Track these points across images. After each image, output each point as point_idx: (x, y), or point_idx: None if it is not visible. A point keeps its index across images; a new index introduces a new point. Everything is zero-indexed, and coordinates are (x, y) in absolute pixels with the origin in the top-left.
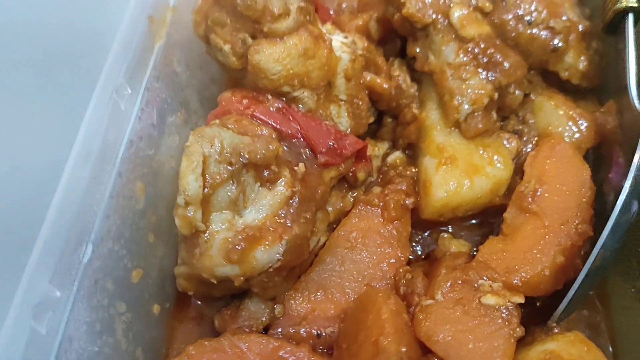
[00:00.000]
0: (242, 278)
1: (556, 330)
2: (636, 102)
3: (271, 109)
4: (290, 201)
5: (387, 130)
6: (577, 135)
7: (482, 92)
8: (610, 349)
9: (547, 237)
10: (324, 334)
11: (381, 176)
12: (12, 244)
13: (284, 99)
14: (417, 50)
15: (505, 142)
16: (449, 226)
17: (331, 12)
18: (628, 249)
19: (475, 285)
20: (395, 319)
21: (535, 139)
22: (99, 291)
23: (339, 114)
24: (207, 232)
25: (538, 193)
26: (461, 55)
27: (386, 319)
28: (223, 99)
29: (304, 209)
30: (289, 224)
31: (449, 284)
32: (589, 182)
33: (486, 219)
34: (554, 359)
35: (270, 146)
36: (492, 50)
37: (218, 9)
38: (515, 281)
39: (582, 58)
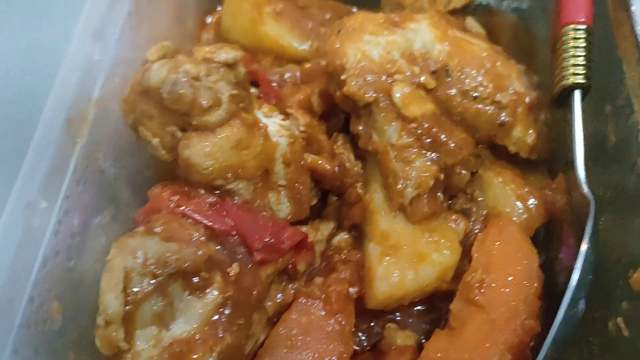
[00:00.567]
0: None
1: None
2: (583, 184)
3: (204, 204)
4: (222, 309)
5: (332, 209)
6: (525, 215)
7: (427, 174)
8: None
9: (494, 333)
10: None
11: (325, 263)
12: None
13: (218, 192)
14: (361, 128)
15: (452, 224)
16: (397, 313)
17: (274, 84)
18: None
19: None
20: None
21: (484, 217)
22: None
23: (278, 200)
24: (131, 351)
25: (485, 283)
26: (404, 136)
27: None
28: (153, 196)
29: (238, 315)
30: (220, 334)
31: None
32: (536, 271)
33: (434, 305)
34: None
35: (199, 252)
36: (436, 130)
37: (145, 100)
38: None
39: (530, 131)
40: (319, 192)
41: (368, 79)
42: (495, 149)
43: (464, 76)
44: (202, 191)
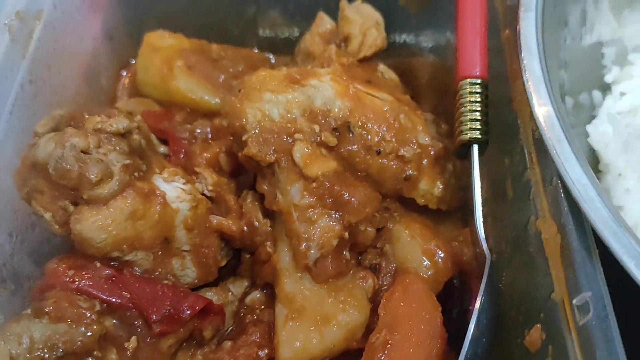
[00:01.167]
0: None
1: None
2: (482, 240)
3: (100, 278)
4: None
5: (246, 267)
6: (431, 270)
7: (330, 234)
8: None
9: None
10: None
11: (237, 324)
12: None
13: (116, 263)
14: (265, 187)
15: (360, 282)
16: None
17: (185, 141)
18: None
19: None
20: None
21: (394, 271)
22: None
23: (183, 266)
24: None
25: (389, 345)
26: (307, 196)
27: None
28: (48, 271)
29: None
30: None
31: None
32: (439, 331)
33: None
34: None
35: (88, 332)
36: (339, 189)
37: (35, 175)
38: None
39: (437, 183)
40: (231, 251)
41: (269, 139)
42: (405, 201)
43: (366, 132)
44: (98, 264)
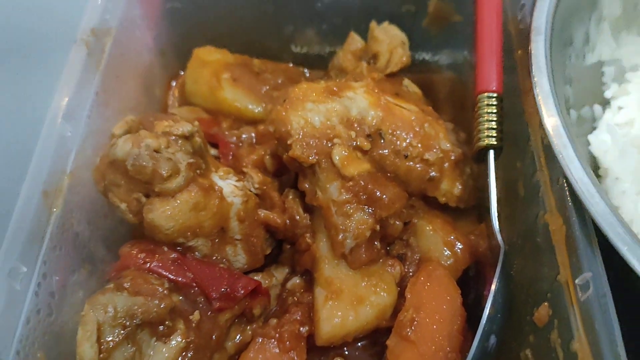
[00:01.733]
0: None
1: None
2: (497, 233)
3: (167, 260)
4: (185, 352)
5: (287, 256)
6: (451, 259)
7: (364, 226)
8: None
9: None
10: None
11: (280, 305)
12: None
13: (180, 248)
14: (307, 185)
15: (389, 269)
16: (345, 348)
17: (232, 145)
18: None
19: None
20: None
21: (418, 261)
22: None
23: (235, 252)
24: None
25: (415, 322)
26: (344, 193)
27: None
28: (122, 254)
29: (199, 356)
30: None
31: None
32: (459, 310)
33: (377, 339)
34: None
35: (162, 304)
36: (372, 187)
37: (113, 170)
38: None
39: (456, 184)
40: (274, 242)
41: (311, 143)
42: (428, 199)
43: (395, 138)
44: (166, 248)
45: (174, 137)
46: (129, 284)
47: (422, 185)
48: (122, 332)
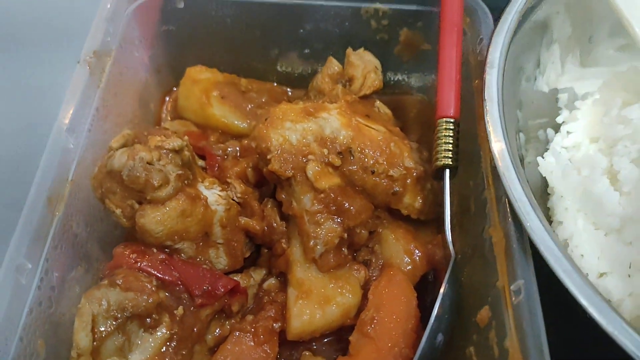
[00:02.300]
0: None
1: None
2: (450, 243)
3: (156, 261)
4: (169, 342)
5: (264, 259)
6: (410, 266)
7: (333, 234)
8: None
9: (379, 359)
10: None
11: (256, 303)
12: None
13: (168, 250)
14: (283, 196)
15: (355, 273)
16: (313, 343)
17: (218, 158)
18: None
19: None
20: None
21: (382, 267)
22: None
23: (217, 255)
24: None
25: (375, 320)
26: (316, 204)
27: None
28: (116, 254)
29: (182, 347)
30: None
31: None
32: (414, 311)
33: (342, 336)
34: None
35: (150, 299)
36: (341, 199)
37: (110, 179)
38: None
39: (418, 198)
40: (253, 246)
41: (288, 158)
42: (392, 211)
43: (363, 156)
44: (155, 250)
45: (165, 151)
46: (121, 280)
47: (387, 198)
48: (114, 323)
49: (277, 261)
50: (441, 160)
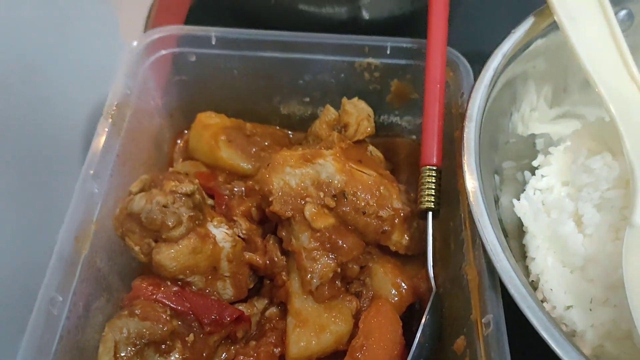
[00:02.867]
0: None
1: None
2: (432, 279)
3: (170, 293)
4: None
5: (266, 290)
6: (397, 298)
7: (327, 269)
8: None
9: None
10: None
11: (259, 329)
12: None
13: (180, 283)
14: (284, 233)
15: (347, 303)
16: None
17: (225, 197)
18: None
19: None
20: None
21: (371, 298)
22: None
23: (224, 287)
24: None
25: (364, 347)
26: (312, 242)
27: None
28: (134, 286)
29: None
30: None
31: None
32: (400, 338)
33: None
34: None
35: (165, 328)
36: (335, 237)
37: (130, 220)
38: None
39: (405, 236)
40: (256, 278)
41: (287, 200)
42: (382, 247)
43: (356, 198)
44: (169, 283)
45: (179, 195)
46: (139, 311)
47: (377, 236)
48: (133, 349)
49: (278, 292)
50: (425, 204)
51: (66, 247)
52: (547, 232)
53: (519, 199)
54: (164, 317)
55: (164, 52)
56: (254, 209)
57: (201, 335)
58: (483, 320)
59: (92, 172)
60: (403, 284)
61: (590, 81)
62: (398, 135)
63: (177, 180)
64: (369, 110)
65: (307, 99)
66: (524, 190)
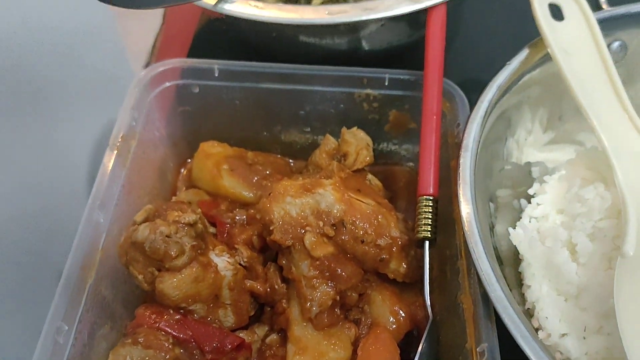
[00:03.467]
0: None
1: None
2: (428, 307)
3: (172, 321)
4: None
5: (267, 317)
6: (395, 325)
7: (327, 297)
8: None
9: None
10: None
11: (258, 356)
12: None
13: (182, 311)
14: (284, 262)
15: (346, 331)
16: None
17: (227, 225)
18: None
19: None
20: None
21: (370, 325)
22: None
23: (225, 314)
24: None
25: None
26: (312, 270)
27: None
28: (138, 314)
29: None
30: None
31: None
32: None
33: None
34: None
35: (167, 356)
36: (334, 266)
37: (134, 249)
38: None
39: (402, 264)
40: (257, 305)
41: (288, 229)
42: (380, 275)
43: (354, 227)
44: (171, 311)
45: (181, 225)
46: (142, 339)
47: (375, 264)
48: None
49: (278, 319)
50: (421, 233)
51: (73, 276)
52: (542, 261)
53: (514, 226)
54: (167, 345)
55: (168, 84)
56: (255, 237)
57: None
58: (478, 349)
59: (98, 202)
60: (401, 312)
61: (583, 112)
62: (397, 163)
63: (180, 210)
64: (367, 139)
65: (308, 129)
66: (520, 217)
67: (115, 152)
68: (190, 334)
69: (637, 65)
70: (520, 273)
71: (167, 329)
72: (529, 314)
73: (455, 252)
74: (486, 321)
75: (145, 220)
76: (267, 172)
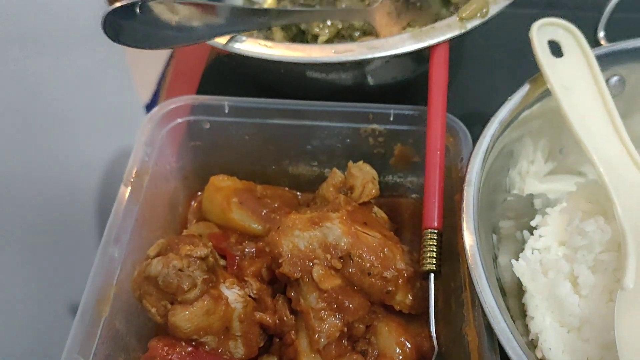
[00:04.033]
0: None
1: None
2: (434, 339)
3: (184, 353)
4: None
5: (276, 348)
6: (401, 356)
7: (334, 329)
8: None
9: None
10: None
11: None
12: None
13: (194, 343)
14: (293, 294)
15: None
16: None
17: (237, 258)
18: None
19: None
20: None
21: (377, 356)
22: None
23: (236, 346)
24: None
25: None
26: (320, 302)
27: None
28: (151, 346)
29: None
30: None
31: None
32: None
33: None
34: None
35: None
36: (342, 298)
37: (147, 283)
38: None
39: (408, 296)
40: (266, 336)
41: (296, 262)
42: (386, 306)
43: (361, 260)
44: (183, 343)
45: (193, 259)
46: None
47: (382, 296)
48: None
49: (287, 350)
50: (426, 266)
51: (88, 310)
52: (545, 292)
53: (517, 258)
54: None
55: (180, 120)
56: (264, 269)
57: None
58: None
59: (113, 237)
60: (407, 343)
61: (582, 147)
62: (402, 195)
63: (192, 244)
64: (373, 173)
65: (315, 163)
66: (523, 249)
67: (130, 188)
68: None
69: (635, 99)
70: (523, 304)
71: None
72: (532, 344)
73: (459, 284)
74: (490, 353)
75: (158, 254)
76: (276, 205)
